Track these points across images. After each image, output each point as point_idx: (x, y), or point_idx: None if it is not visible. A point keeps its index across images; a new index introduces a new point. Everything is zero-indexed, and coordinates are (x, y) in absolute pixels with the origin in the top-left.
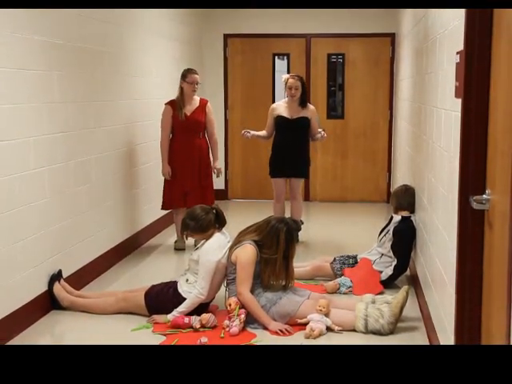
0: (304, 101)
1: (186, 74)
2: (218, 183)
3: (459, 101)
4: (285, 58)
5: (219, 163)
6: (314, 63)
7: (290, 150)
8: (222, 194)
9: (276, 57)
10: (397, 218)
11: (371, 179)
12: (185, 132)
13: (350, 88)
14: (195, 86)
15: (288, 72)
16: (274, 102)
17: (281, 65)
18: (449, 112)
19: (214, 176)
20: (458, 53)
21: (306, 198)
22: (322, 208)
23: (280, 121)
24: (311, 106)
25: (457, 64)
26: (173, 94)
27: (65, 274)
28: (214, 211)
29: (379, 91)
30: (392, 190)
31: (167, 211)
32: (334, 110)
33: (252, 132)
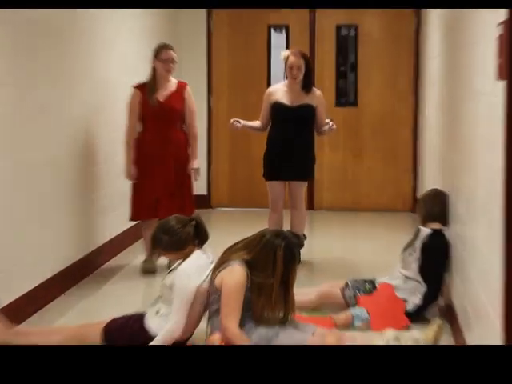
0: (308, 84)
1: (160, 51)
2: (199, 188)
3: (502, 84)
4: (283, 30)
5: (198, 163)
6: (320, 38)
7: (291, 145)
8: (204, 202)
9: (272, 29)
10: (425, 231)
11: (392, 182)
12: (157, 122)
13: (365, 68)
14: (170, 65)
15: (287, 48)
16: (269, 85)
17: (278, 39)
18: (490, 98)
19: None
20: (500, 23)
21: (310, 206)
22: (330, 219)
23: (278, 109)
24: (317, 91)
25: (499, 37)
26: (143, 76)
27: None
28: (194, 223)
29: (401, 72)
30: (418, 195)
31: (134, 223)
32: (345, 95)
33: (243, 122)
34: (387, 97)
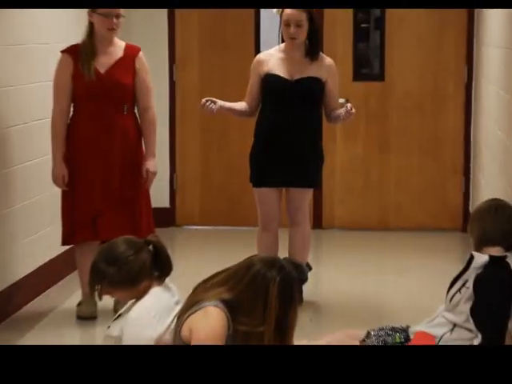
0: (314, 48)
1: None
2: (159, 199)
3: None
4: None
5: (155, 162)
6: None
7: (289, 135)
8: (166, 217)
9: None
10: (481, 258)
11: (434, 189)
12: (96, 103)
13: (395, 25)
14: (114, 20)
15: None
16: (259, 50)
17: None
18: None
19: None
20: None
21: (317, 223)
22: (344, 242)
23: (271, 84)
24: (327, 59)
25: None
26: (75, 37)
27: None
28: (151, 248)
29: (447, 31)
30: (472, 208)
31: (66, 247)
32: (367, 65)
33: (220, 102)
34: (427, 67)
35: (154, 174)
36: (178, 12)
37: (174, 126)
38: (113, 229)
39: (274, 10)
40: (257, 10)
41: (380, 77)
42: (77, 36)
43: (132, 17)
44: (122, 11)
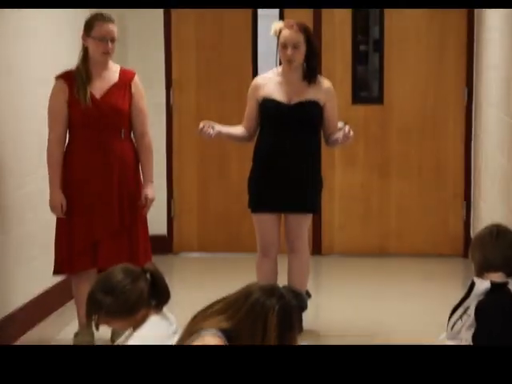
0: (312, 72)
1: (92, 24)
2: (156, 225)
3: None
4: None
5: (153, 188)
6: None
7: (287, 160)
8: (163, 245)
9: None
10: (483, 285)
11: (434, 214)
12: (92, 130)
13: (395, 47)
14: (109, 44)
15: (281, 18)
16: (256, 73)
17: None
18: None
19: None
20: None
21: (317, 249)
22: (344, 268)
23: (269, 108)
24: (325, 82)
25: None
26: (70, 62)
27: None
28: (148, 277)
29: (447, 53)
30: (473, 234)
31: (61, 277)
32: (366, 87)
33: (218, 127)
34: (427, 90)
35: (153, 200)
36: (175, 33)
37: (171, 151)
38: (112, 256)
39: (272, 32)
40: (254, 32)
41: (379, 100)
42: (70, 62)
43: (127, 38)
44: (116, 34)
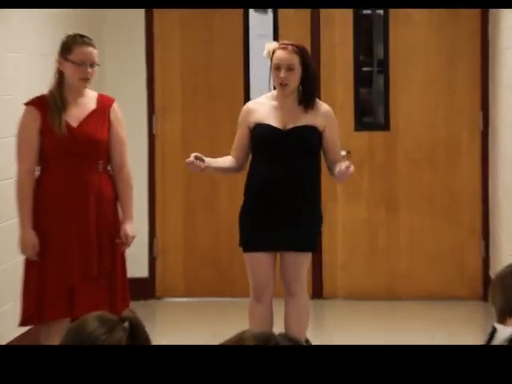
0: (309, 96)
1: (72, 46)
2: (136, 267)
3: None
4: (268, 10)
5: (132, 225)
6: (328, 20)
7: (281, 192)
8: (144, 289)
9: (251, 9)
10: (505, 331)
11: (449, 253)
12: (68, 160)
13: (401, 67)
14: (89, 69)
15: (275, 38)
16: (248, 98)
17: (261, 25)
18: None
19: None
20: None
21: (318, 292)
22: (348, 314)
23: (262, 134)
24: (323, 106)
25: None
26: (42, 86)
27: None
28: (127, 325)
29: (459, 72)
30: (493, 274)
31: (28, 328)
32: (370, 112)
33: (208, 160)
34: (438, 114)
35: (133, 238)
36: (158, 53)
37: (153, 184)
38: (90, 304)
39: (264, 53)
40: (246, 53)
41: (385, 126)
42: (42, 85)
43: (105, 60)
44: (96, 58)
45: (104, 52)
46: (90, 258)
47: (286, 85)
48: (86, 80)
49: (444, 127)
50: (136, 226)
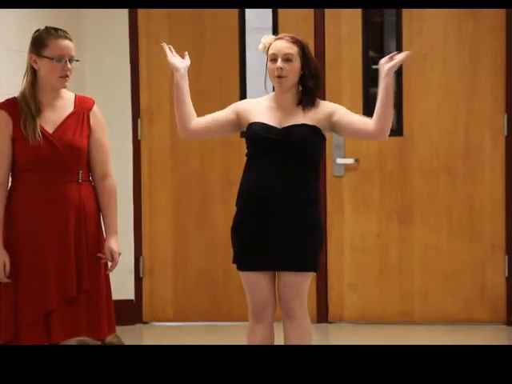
0: (309, 95)
1: (46, 40)
2: (121, 287)
3: None
4: None
5: (118, 241)
6: (334, 13)
7: (277, 201)
8: (130, 312)
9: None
10: None
11: (469, 272)
12: (43, 171)
13: (416, 66)
14: (67, 65)
15: (275, 32)
16: (243, 97)
17: (259, 18)
18: None
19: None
20: None
21: (322, 315)
22: (356, 339)
23: (256, 133)
24: (326, 103)
25: None
26: (13, 88)
27: None
28: None
29: (482, 72)
30: None
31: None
32: None
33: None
34: (457, 118)
35: (119, 255)
36: (143, 49)
37: (139, 196)
38: (68, 329)
39: (260, 47)
40: (242, 50)
41: (398, 131)
42: (13, 87)
43: (84, 56)
44: (74, 53)
45: (83, 47)
46: (67, 278)
47: (283, 77)
48: (65, 78)
49: (463, 132)
50: (120, 242)
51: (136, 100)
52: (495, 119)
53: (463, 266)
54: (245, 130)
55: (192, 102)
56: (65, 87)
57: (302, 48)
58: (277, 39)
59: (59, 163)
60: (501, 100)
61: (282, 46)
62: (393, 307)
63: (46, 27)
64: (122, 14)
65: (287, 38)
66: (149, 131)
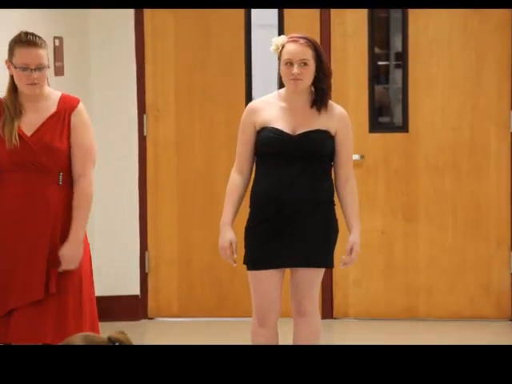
0: (323, 96)
1: (13, 48)
2: (126, 283)
3: None
4: None
5: (77, 247)
6: (339, 11)
7: (293, 203)
8: (135, 307)
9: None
10: None
11: (474, 268)
12: (23, 173)
13: (422, 62)
14: (32, 74)
15: (281, 28)
16: (250, 97)
17: (264, 15)
18: None
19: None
20: None
21: (327, 311)
22: (361, 335)
23: (269, 140)
24: (338, 108)
25: None
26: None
27: None
28: None
29: (487, 68)
30: None
31: None
32: (387, 112)
33: (230, 220)
34: (462, 113)
35: (72, 262)
36: (149, 46)
37: (144, 192)
38: (29, 331)
39: (272, 48)
40: (248, 47)
41: (403, 127)
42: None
43: (89, 55)
44: (45, 61)
45: (89, 45)
46: (36, 280)
47: (299, 81)
48: (33, 85)
49: (469, 129)
50: (125, 237)
51: (142, 96)
52: (501, 116)
53: (468, 262)
54: (257, 130)
55: (197, 98)
56: (35, 94)
57: (316, 50)
58: (290, 41)
59: (37, 166)
60: (506, 96)
61: (298, 50)
62: (398, 303)
63: (20, 33)
64: (128, 11)
65: (301, 40)
66: (154, 128)
